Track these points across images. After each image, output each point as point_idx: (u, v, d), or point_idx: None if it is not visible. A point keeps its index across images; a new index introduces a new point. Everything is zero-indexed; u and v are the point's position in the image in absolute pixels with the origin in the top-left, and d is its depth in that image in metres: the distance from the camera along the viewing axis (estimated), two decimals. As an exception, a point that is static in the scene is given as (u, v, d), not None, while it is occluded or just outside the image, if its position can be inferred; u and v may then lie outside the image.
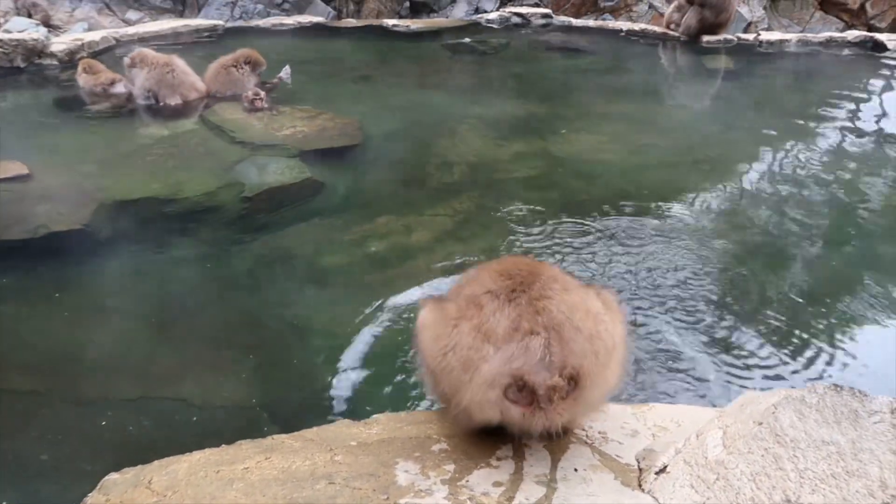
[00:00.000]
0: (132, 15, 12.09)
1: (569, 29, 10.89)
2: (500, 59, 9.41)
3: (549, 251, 4.45)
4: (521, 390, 1.98)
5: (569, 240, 4.61)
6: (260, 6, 12.33)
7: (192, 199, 4.92)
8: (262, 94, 6.75)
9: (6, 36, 8.06)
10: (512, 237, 4.67)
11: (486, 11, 13.38)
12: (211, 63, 7.19)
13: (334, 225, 4.87)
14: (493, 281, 2.18)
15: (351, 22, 11.10)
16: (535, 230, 4.74)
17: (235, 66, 7.13)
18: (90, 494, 2.10)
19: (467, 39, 9.94)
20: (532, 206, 5.12)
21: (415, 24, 10.68)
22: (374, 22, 11.11)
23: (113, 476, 2.14)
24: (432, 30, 10.54)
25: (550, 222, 4.83)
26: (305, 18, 10.81)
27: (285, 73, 7.51)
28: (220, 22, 10.35)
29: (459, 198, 5.31)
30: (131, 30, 9.68)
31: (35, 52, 7.88)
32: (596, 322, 2.13)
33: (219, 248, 4.53)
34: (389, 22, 10.72)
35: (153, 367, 3.50)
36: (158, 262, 4.38)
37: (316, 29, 10.37)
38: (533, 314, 2.07)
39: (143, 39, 9.14)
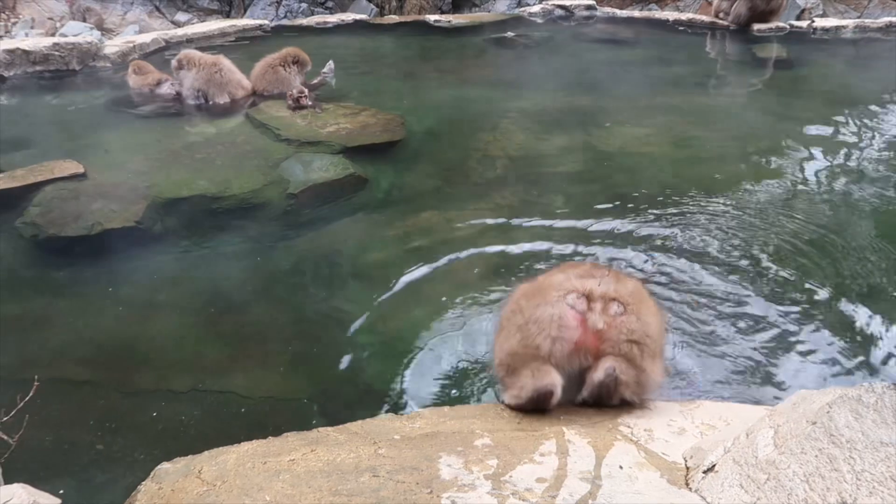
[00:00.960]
0: (181, 17, 12.41)
1: (613, 20, 10.72)
2: (543, 52, 9.31)
3: (592, 244, 4.40)
4: (580, 298, 2.52)
5: (612, 233, 4.55)
6: (304, 5, 12.49)
7: (239, 196, 5.01)
8: (307, 91, 6.84)
9: (62, 40, 8.35)
10: (555, 231, 4.62)
11: (528, 4, 13.26)
12: (257, 62, 7.30)
13: (378, 220, 4.90)
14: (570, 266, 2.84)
15: (393, 18, 11.14)
16: (579, 224, 4.68)
17: (283, 65, 7.23)
18: (143, 483, 2.17)
19: (510, 33, 9.87)
20: (576, 200, 5.07)
21: (457, 20, 10.66)
22: (417, 18, 11.14)
23: (165, 465, 2.21)
24: (474, 24, 10.50)
25: (593, 216, 4.78)
26: (348, 16, 10.89)
27: (328, 68, 7.58)
28: (266, 21, 10.52)
29: (502, 192, 5.29)
30: (180, 31, 9.91)
31: (89, 54, 8.14)
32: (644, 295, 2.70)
33: (265, 244, 4.61)
34: (431, 18, 10.72)
35: (203, 360, 3.58)
36: (207, 257, 4.48)
37: (359, 26, 10.45)
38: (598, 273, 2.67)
39: (192, 40, 9.34)
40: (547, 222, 4.78)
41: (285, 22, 11.19)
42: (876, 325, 3.59)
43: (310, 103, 6.69)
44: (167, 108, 6.93)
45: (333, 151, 5.70)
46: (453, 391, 3.15)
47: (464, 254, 4.33)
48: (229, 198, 5.01)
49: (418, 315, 3.72)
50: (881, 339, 3.49)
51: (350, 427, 2.36)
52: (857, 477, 1.79)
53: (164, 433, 3.06)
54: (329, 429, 2.36)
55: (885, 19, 10.31)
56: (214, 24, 10.30)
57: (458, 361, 3.34)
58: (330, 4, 12.68)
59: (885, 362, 3.32)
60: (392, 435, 2.30)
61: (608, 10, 11.22)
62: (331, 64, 7.59)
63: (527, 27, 10.32)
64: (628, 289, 2.62)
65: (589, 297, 2.52)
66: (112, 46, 8.58)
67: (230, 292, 4.12)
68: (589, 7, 10.87)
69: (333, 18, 10.76)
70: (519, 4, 16.98)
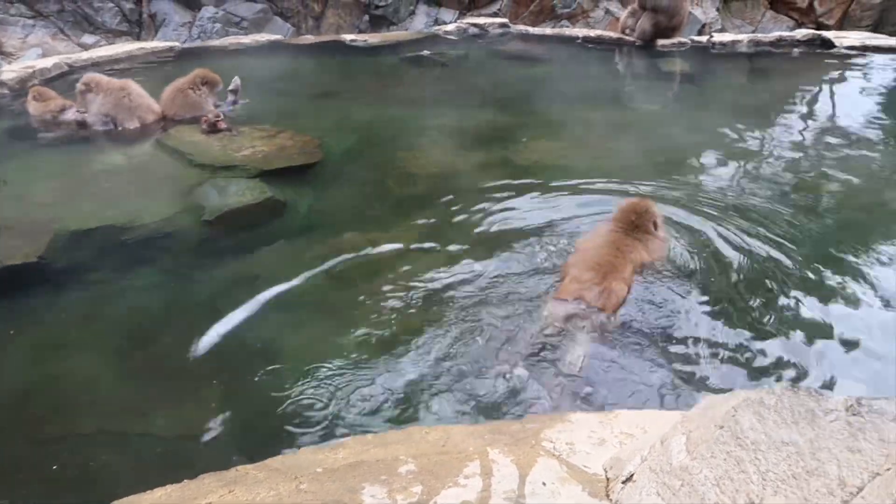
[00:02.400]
0: (88, 39, 11.91)
1: (526, 37, 11.00)
2: (460, 70, 9.46)
3: (513, 254, 4.46)
4: None
5: (534, 247, 4.62)
6: (217, 25, 12.25)
7: (150, 226, 4.83)
8: (222, 114, 6.69)
9: (-47, 66, 7.88)
10: (477, 247, 4.67)
11: (444, 23, 13.46)
12: (166, 86, 7.10)
13: (298, 244, 4.82)
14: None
15: (309, 38, 11.07)
16: (502, 239, 4.74)
17: (192, 88, 7.05)
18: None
19: (426, 52, 9.97)
20: (497, 216, 5.14)
21: (373, 39, 10.69)
22: (333, 38, 11.10)
23: (71, 518, 2.09)
24: (391, 43, 10.57)
25: (515, 230, 4.85)
26: (263, 37, 10.76)
27: (235, 85, 7.39)
28: (177, 43, 10.24)
29: (424, 210, 5.30)
30: (85, 55, 9.52)
31: (-16, 81, 7.72)
32: None
33: (180, 274, 4.46)
34: (348, 37, 10.72)
35: (115, 401, 3.42)
36: (118, 292, 4.29)
37: (275, 47, 10.33)
38: None
39: (97, 64, 9.00)
40: (468, 238, 4.82)
41: (198, 43, 10.94)
42: (782, 327, 3.79)
43: (226, 126, 6.55)
44: (72, 136, 6.64)
45: (250, 175, 5.58)
46: (378, 417, 3.12)
47: (387, 275, 4.31)
48: (140, 228, 4.82)
49: (342, 341, 3.67)
50: (784, 340, 3.68)
51: (270, 463, 2.30)
52: (762, 477, 1.87)
53: (74, 482, 2.89)
54: (248, 466, 2.29)
55: (776, 34, 11.00)
56: (122, 48, 9.95)
57: (383, 386, 3.31)
58: (245, 25, 12.48)
59: (785, 365, 3.49)
60: (314, 468, 2.25)
61: (521, 27, 11.52)
62: (237, 80, 7.41)
63: (443, 45, 10.46)
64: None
65: None
66: (9, 72, 8.16)
67: (144, 327, 3.96)
68: (502, 25, 11.13)
69: (248, 39, 10.60)
70: (436, 22, 17.19)
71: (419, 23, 17.03)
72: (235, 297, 4.17)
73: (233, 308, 4.06)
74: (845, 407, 1.93)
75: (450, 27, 11.16)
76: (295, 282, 4.32)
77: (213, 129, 6.50)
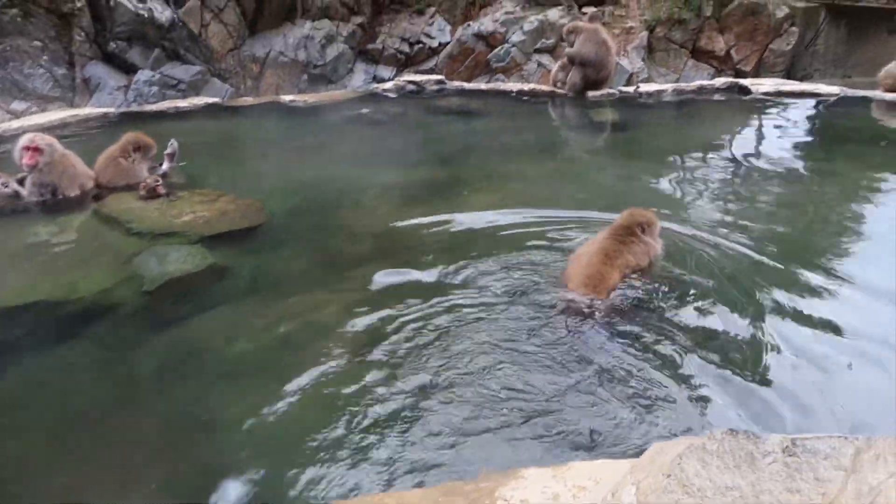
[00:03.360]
0: (18, 105, 11.64)
1: (462, 93, 11.33)
2: (399, 126, 9.65)
3: (461, 311, 4.50)
4: None
5: (481, 297, 4.69)
6: (154, 88, 12.15)
7: (87, 299, 4.70)
8: (161, 180, 6.61)
9: None
10: (426, 303, 4.70)
11: (383, 80, 13.76)
12: (99, 155, 6.98)
13: (243, 310, 4.75)
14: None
15: (248, 100, 11.13)
16: (447, 292, 4.79)
17: (124, 155, 6.95)
18: None
19: (365, 110, 10.15)
20: (441, 269, 5.20)
21: (312, 99, 10.84)
22: (272, 98, 11.19)
23: None
24: (330, 103, 10.71)
25: (461, 283, 4.91)
26: (201, 100, 10.76)
27: (172, 148, 7.29)
28: (112, 109, 10.14)
29: (369, 268, 5.30)
30: (15, 123, 9.33)
31: None
32: None
33: (120, 348, 4.32)
34: (287, 98, 10.83)
35: (53, 488, 3.26)
36: (55, 370, 4.13)
37: (213, 109, 10.33)
38: None
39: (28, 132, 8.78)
40: (415, 294, 4.85)
41: (135, 108, 10.85)
42: (723, 364, 3.92)
43: (165, 192, 6.47)
44: (2, 208, 6.43)
45: (191, 242, 5.51)
46: (326, 487, 3.06)
47: (335, 336, 4.29)
48: (77, 301, 4.68)
49: (293, 410, 3.61)
50: (725, 377, 3.81)
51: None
52: (710, 523, 1.93)
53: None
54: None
55: (698, 83, 11.66)
56: (55, 114, 9.80)
57: (332, 453, 3.26)
58: (182, 87, 12.43)
59: (727, 405, 3.61)
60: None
61: (457, 83, 11.87)
62: (174, 143, 7.32)
63: (382, 103, 10.67)
64: None
65: None
66: (-67, 144, 7.91)
67: (84, 406, 3.81)
68: (438, 82, 11.44)
69: (185, 103, 10.58)
70: (374, 80, 17.51)
71: (357, 80, 17.32)
72: (180, 369, 4.07)
73: (176, 380, 3.96)
74: (781, 448, 2.02)
75: (388, 85, 11.41)
76: (239, 348, 4.26)
77: (151, 194, 6.41)
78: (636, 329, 4.28)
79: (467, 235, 5.86)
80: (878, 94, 10.64)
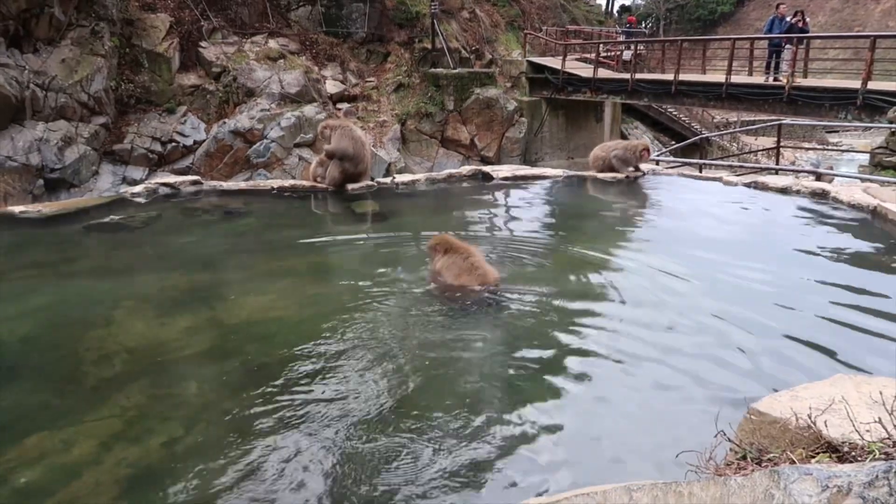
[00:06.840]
0: None
1: (221, 193, 11.10)
2: (153, 232, 9.12)
3: (236, 419, 4.32)
4: None
5: (260, 404, 4.54)
6: None
7: None
8: None
9: None
10: (195, 421, 4.43)
11: (134, 181, 12.98)
12: None
13: (-35, 465, 4.07)
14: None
15: (-36, 214, 9.78)
16: (222, 405, 4.57)
17: None
18: None
19: (113, 217, 9.46)
20: (210, 381, 4.96)
21: (49, 208, 9.83)
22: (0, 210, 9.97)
23: None
24: (72, 210, 9.82)
25: (234, 393, 4.72)
26: None
27: None
28: None
29: (126, 391, 4.88)
30: None
31: None
32: None
33: None
34: (17, 209, 9.70)
35: None
36: None
37: (-81, 228, 8.91)
38: None
39: None
40: (184, 412, 4.56)
41: None
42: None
43: None
44: None
45: None
46: None
47: (89, 477, 3.85)
48: None
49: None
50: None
51: None
52: None
53: None
54: None
55: (447, 171, 12.75)
56: None
57: None
58: None
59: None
60: None
61: (215, 183, 11.61)
62: None
63: (132, 209, 10.04)
64: None
65: None
66: None
67: None
68: (195, 182, 11.10)
69: None
70: (124, 181, 16.46)
71: (105, 183, 16.12)
72: None
73: None
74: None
75: (138, 188, 10.78)
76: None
77: None
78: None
79: (235, 341, 5.68)
80: (591, 173, 12.66)
